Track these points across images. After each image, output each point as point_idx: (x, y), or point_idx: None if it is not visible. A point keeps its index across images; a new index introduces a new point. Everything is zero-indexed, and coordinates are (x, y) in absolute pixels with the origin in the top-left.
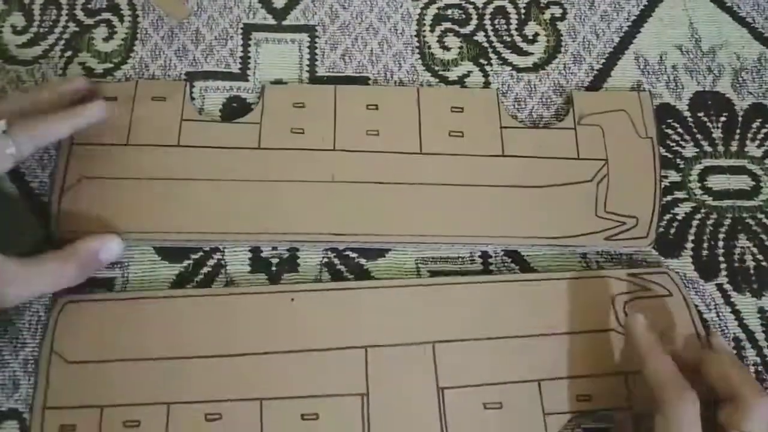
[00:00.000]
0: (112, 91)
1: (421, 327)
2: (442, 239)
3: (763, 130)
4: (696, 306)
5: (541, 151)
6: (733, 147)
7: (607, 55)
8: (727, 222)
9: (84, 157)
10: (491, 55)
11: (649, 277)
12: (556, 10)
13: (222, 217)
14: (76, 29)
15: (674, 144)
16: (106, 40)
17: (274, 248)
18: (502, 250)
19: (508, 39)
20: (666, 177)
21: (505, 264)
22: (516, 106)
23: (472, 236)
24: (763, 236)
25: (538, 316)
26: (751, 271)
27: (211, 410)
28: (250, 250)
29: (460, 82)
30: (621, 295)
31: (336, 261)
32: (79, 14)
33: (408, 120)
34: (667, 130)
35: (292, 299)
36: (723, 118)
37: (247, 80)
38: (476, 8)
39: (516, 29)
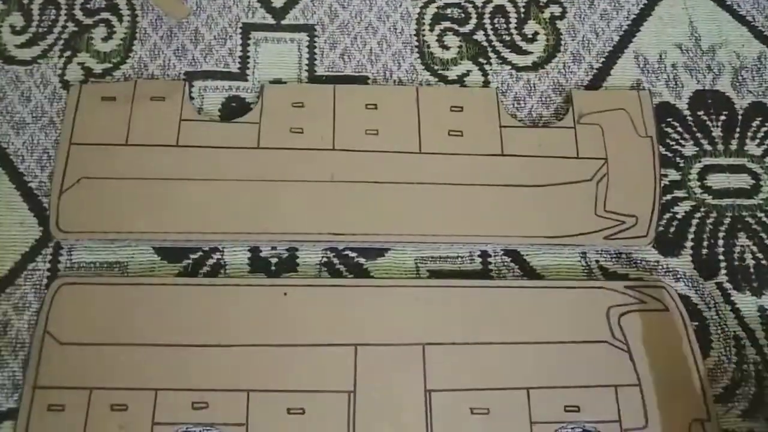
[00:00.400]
0: (112, 91)
1: (412, 328)
2: (442, 239)
3: (763, 129)
4: (696, 305)
5: (541, 150)
6: (733, 145)
7: (606, 53)
8: (727, 221)
9: (83, 158)
10: (490, 54)
11: (646, 290)
12: (556, 9)
13: (221, 217)
14: (75, 29)
15: (674, 143)
16: (105, 39)
17: (274, 248)
18: (502, 250)
19: (508, 38)
20: (666, 176)
21: (505, 263)
22: (515, 105)
23: (471, 235)
24: (763, 235)
25: (531, 324)
26: (751, 270)
27: (198, 399)
28: (249, 250)
29: (460, 81)
30: (617, 307)
31: (335, 260)
32: (78, 14)
33: (407, 119)
34: (666, 129)
35: (285, 293)
36: (723, 117)
37: (247, 80)
38: (475, 7)
39: (515, 28)
